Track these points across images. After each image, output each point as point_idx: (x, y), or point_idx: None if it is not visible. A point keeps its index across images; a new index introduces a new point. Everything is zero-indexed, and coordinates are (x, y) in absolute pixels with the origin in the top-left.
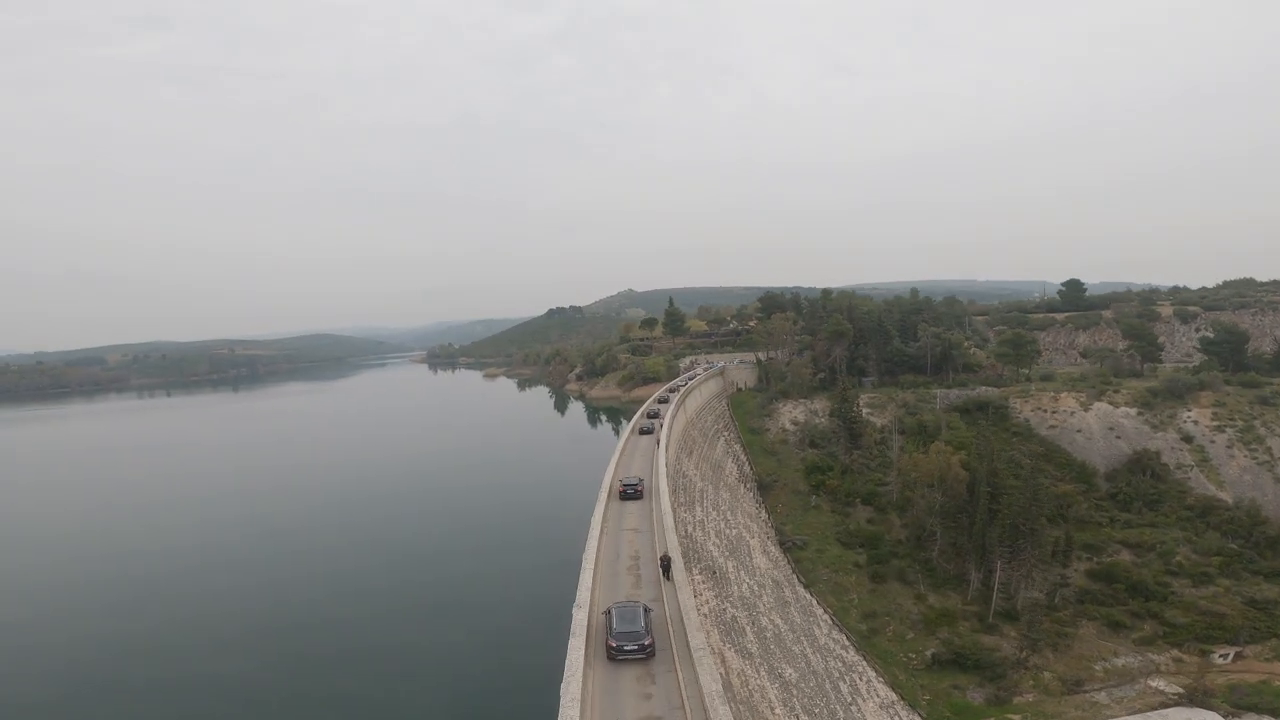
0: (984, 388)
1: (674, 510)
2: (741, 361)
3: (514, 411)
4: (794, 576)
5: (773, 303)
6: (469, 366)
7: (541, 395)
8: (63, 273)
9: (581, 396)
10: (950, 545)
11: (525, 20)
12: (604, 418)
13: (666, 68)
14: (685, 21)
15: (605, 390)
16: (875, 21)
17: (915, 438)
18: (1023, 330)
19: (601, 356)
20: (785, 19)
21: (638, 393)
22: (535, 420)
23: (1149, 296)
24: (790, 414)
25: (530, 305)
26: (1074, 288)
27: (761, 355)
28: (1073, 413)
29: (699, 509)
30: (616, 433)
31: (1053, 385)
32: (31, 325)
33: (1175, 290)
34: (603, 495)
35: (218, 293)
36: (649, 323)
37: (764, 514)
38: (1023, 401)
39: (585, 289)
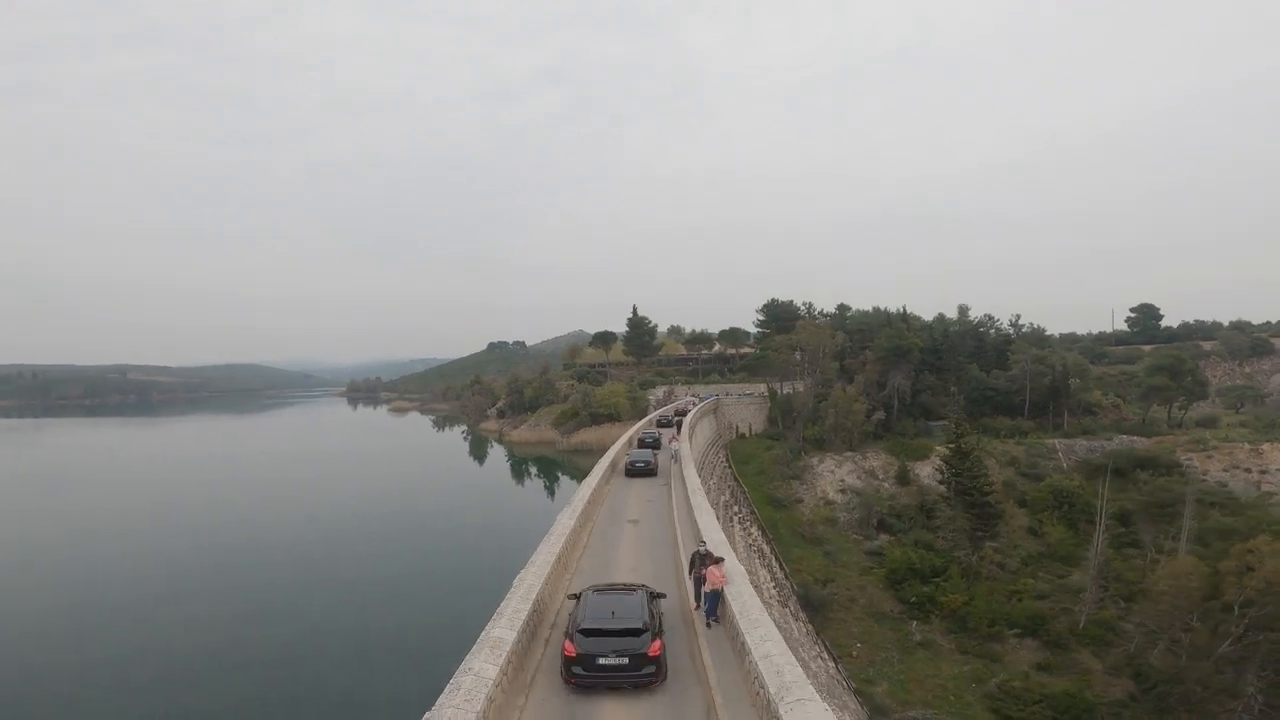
0: (1123, 436)
1: None
2: (741, 395)
3: (381, 463)
4: None
5: (782, 312)
6: (392, 401)
7: (451, 438)
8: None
9: (501, 438)
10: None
11: (509, 59)
12: (533, 471)
13: (644, 112)
14: (661, 69)
15: (534, 431)
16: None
17: (1050, 513)
18: (1180, 355)
19: (533, 385)
20: (750, 70)
21: (584, 436)
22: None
23: (1241, 326)
24: (834, 474)
25: (478, 346)
26: (1147, 315)
27: (776, 386)
28: None
29: None
30: (551, 492)
31: (1236, 433)
32: None
33: (1240, 323)
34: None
35: (151, 321)
36: (603, 338)
37: (826, 658)
38: (1202, 457)
39: (537, 331)
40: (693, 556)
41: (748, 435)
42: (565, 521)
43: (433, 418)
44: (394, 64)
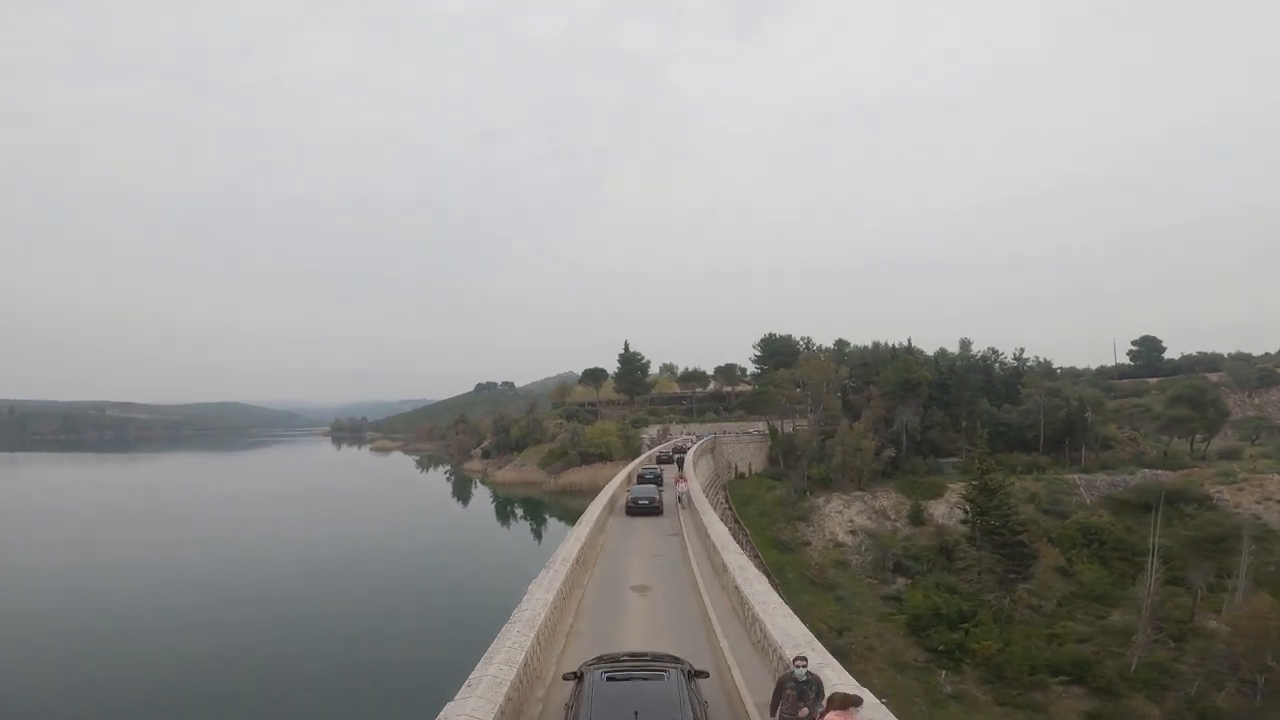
0: (1145, 470)
1: None
2: (741, 433)
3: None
4: None
5: (781, 346)
6: (375, 441)
7: (432, 479)
8: None
9: (485, 479)
10: None
11: (499, 99)
12: (519, 513)
13: (631, 154)
14: (650, 110)
15: (519, 472)
16: (819, 121)
17: (1079, 551)
18: (1201, 384)
19: (520, 424)
20: (738, 111)
21: (572, 477)
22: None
23: (1244, 358)
24: (843, 515)
25: (467, 388)
26: (1150, 348)
27: (777, 423)
28: None
29: None
30: (538, 534)
31: (1262, 465)
32: None
33: (1240, 354)
34: None
35: (133, 357)
36: (593, 375)
37: None
38: (1233, 490)
39: (527, 372)
40: (781, 682)
41: (748, 475)
42: (535, 601)
43: (416, 457)
44: (384, 101)
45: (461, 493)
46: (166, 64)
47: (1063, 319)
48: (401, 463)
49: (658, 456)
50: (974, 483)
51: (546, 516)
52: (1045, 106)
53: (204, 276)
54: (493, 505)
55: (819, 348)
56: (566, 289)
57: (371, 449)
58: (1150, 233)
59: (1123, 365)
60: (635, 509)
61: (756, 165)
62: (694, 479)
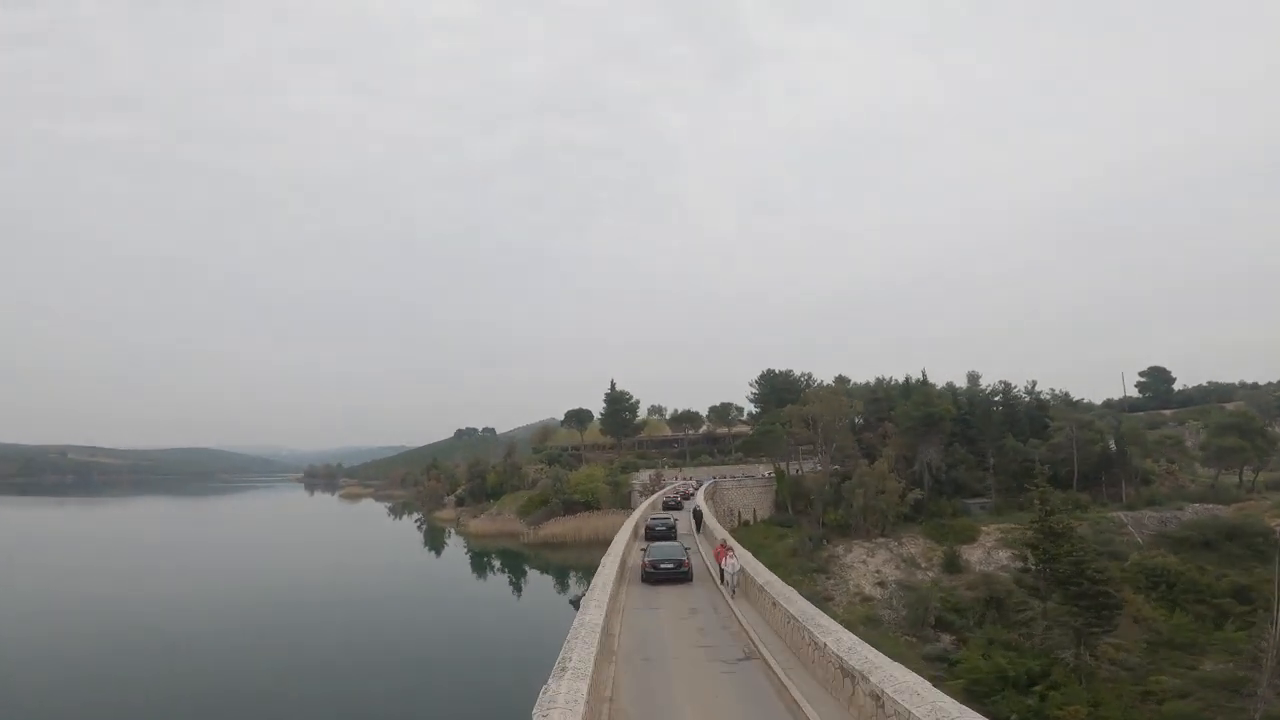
0: (1195, 505)
1: None
2: (744, 477)
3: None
4: None
5: (781, 383)
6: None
7: (400, 529)
8: None
9: (459, 528)
10: None
11: (482, 144)
12: (496, 565)
13: (613, 197)
14: (634, 154)
15: (495, 521)
16: (799, 163)
17: (1145, 595)
18: (1248, 412)
19: (497, 469)
20: (718, 156)
21: (554, 529)
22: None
23: (1251, 387)
24: (867, 565)
25: (447, 433)
26: (1159, 379)
27: (783, 465)
28: None
29: None
30: (517, 587)
31: None
32: None
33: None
34: None
35: (102, 401)
36: (577, 417)
37: None
38: None
39: (509, 419)
40: None
41: (752, 522)
42: None
43: (388, 504)
44: (366, 144)
45: (433, 543)
46: (148, 104)
47: (1055, 350)
48: (369, 510)
49: (664, 503)
50: (1035, 524)
51: (526, 569)
52: (1011, 142)
53: (181, 318)
54: (467, 558)
55: (820, 384)
56: (551, 333)
57: (341, 495)
58: (1133, 259)
59: (1132, 398)
60: (657, 575)
61: (740, 203)
62: (741, 549)
